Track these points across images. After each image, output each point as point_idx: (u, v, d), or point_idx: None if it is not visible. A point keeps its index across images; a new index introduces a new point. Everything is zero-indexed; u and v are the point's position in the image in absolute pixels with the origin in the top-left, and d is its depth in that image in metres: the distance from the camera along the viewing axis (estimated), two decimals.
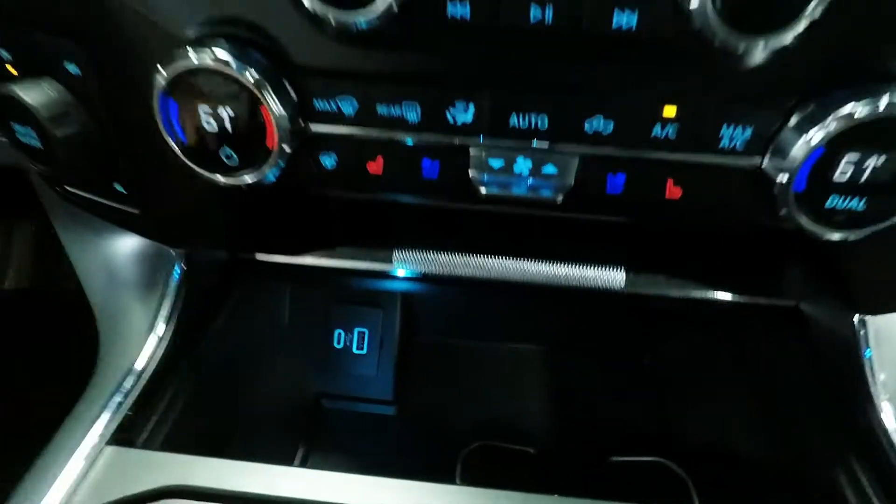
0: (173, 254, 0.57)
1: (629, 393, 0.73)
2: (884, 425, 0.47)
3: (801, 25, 0.30)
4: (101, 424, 0.46)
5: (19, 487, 0.46)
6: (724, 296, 0.58)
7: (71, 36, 0.43)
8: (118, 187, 0.50)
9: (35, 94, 0.44)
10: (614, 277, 0.56)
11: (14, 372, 0.85)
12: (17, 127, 0.46)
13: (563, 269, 0.56)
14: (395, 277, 0.61)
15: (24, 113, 0.45)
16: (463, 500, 0.41)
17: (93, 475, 0.43)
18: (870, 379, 0.48)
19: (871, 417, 0.48)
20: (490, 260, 0.58)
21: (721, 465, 0.63)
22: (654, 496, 0.44)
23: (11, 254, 0.96)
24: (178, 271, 0.56)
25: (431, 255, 0.58)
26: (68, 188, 0.55)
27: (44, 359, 0.86)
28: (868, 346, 0.49)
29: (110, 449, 0.45)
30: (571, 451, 0.71)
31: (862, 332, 0.50)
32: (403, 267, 0.60)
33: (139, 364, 0.51)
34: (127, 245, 0.59)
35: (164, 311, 0.54)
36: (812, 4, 0.30)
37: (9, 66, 0.47)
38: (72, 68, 0.44)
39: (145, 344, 0.52)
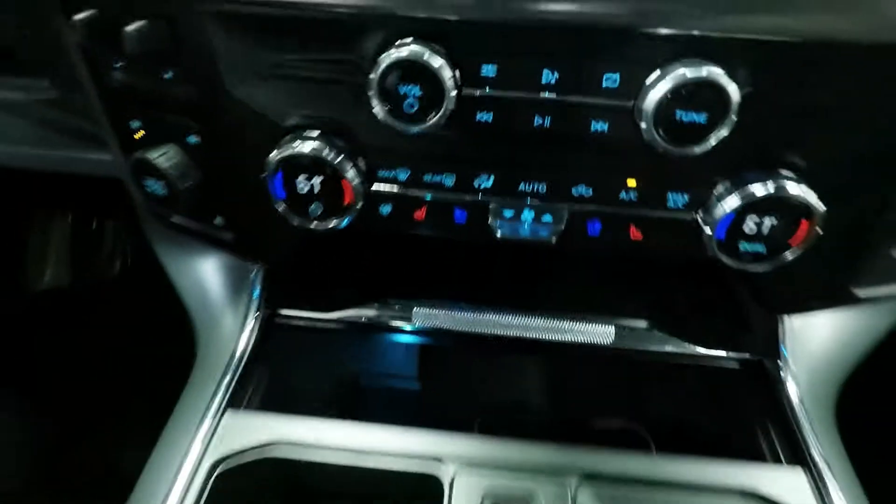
0: (252, 267, 0.73)
1: (609, 376, 0.90)
2: (791, 399, 0.64)
3: (713, 141, 0.46)
4: (219, 395, 0.63)
5: (160, 443, 0.63)
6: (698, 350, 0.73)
7: (193, 117, 0.58)
8: (219, 220, 0.66)
9: (164, 158, 0.60)
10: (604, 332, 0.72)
11: (125, 360, 1.03)
12: (148, 181, 0.61)
13: (558, 324, 0.72)
14: (408, 332, 0.75)
15: (155, 171, 0.60)
16: (494, 447, 0.59)
17: (220, 431, 0.60)
18: (783, 368, 0.65)
19: (782, 395, 0.65)
20: (491, 316, 0.72)
21: (677, 430, 0.81)
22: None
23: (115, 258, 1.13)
24: (260, 281, 0.72)
25: (442, 312, 0.73)
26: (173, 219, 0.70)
27: (148, 351, 1.03)
28: (784, 345, 0.66)
29: (229, 412, 0.62)
30: (562, 419, 0.89)
31: (780, 332, 0.67)
32: (417, 322, 0.73)
33: (238, 351, 0.68)
34: (214, 259, 0.75)
35: (252, 312, 0.71)
36: (717, 130, 0.45)
37: (141, 134, 0.62)
38: (192, 140, 0.60)
39: (241, 336, 0.69)
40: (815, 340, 0.68)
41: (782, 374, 0.65)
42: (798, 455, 0.61)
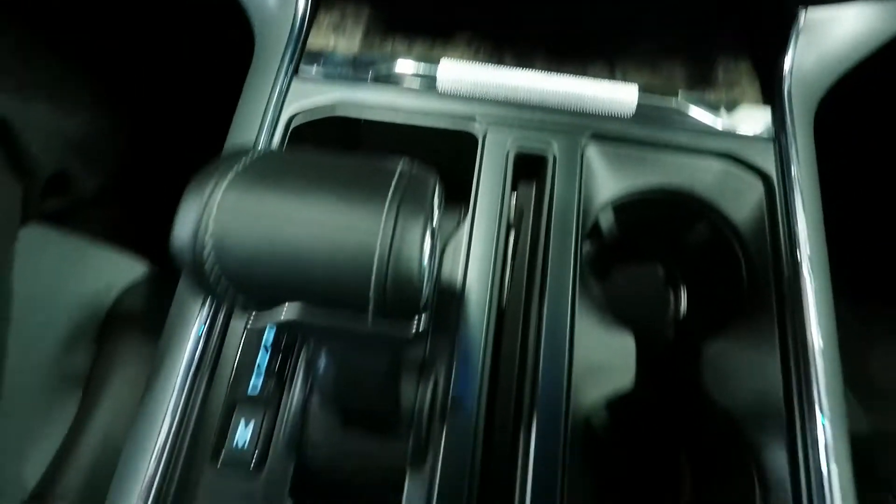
0: None
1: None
2: (783, 82, 0.74)
3: None
4: (286, 63, 0.73)
5: (242, 101, 0.75)
6: None
7: None
8: None
9: None
10: None
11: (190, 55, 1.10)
12: None
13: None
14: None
15: None
16: (518, 111, 0.71)
17: (291, 93, 0.72)
18: (787, 53, 0.73)
19: (775, 79, 0.74)
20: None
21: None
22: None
23: None
24: None
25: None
26: None
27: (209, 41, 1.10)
28: (792, 37, 0.73)
29: (297, 78, 0.73)
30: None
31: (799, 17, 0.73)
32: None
33: (297, 21, 0.76)
34: None
35: None
36: None
37: None
38: None
39: (297, 6, 0.76)
40: (823, 36, 0.74)
41: (783, 58, 0.74)
42: (772, 127, 0.73)
